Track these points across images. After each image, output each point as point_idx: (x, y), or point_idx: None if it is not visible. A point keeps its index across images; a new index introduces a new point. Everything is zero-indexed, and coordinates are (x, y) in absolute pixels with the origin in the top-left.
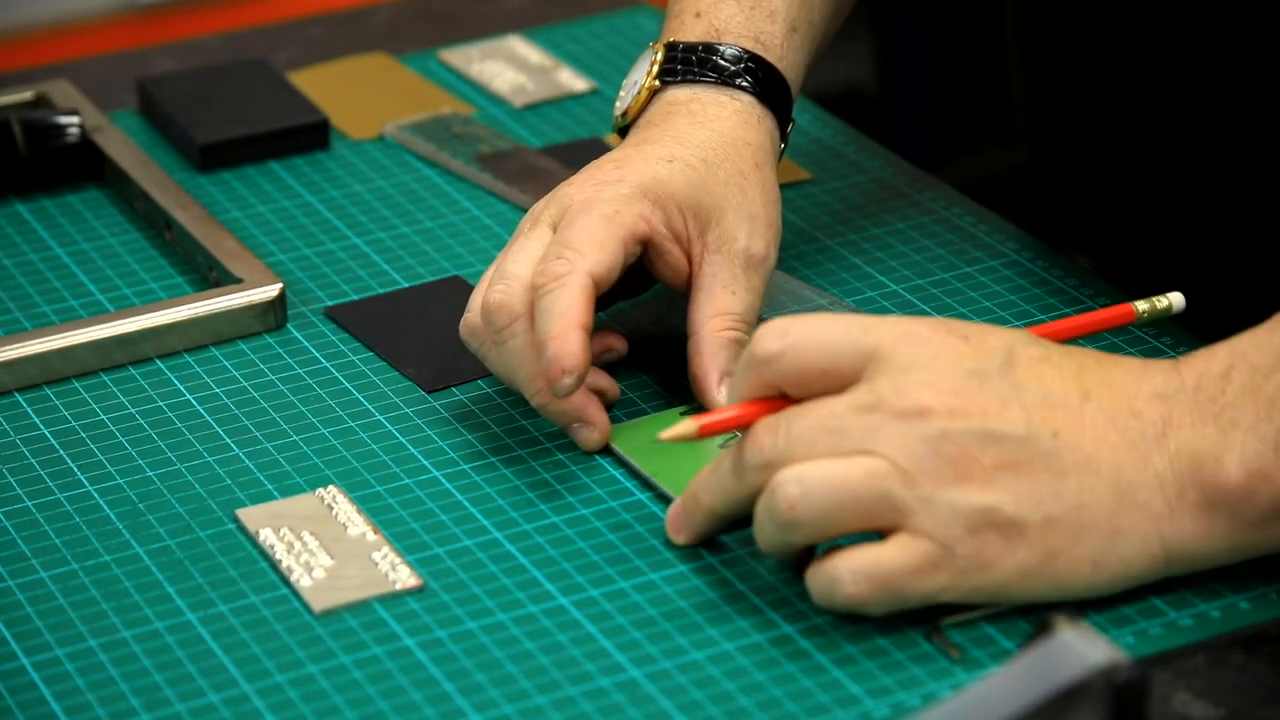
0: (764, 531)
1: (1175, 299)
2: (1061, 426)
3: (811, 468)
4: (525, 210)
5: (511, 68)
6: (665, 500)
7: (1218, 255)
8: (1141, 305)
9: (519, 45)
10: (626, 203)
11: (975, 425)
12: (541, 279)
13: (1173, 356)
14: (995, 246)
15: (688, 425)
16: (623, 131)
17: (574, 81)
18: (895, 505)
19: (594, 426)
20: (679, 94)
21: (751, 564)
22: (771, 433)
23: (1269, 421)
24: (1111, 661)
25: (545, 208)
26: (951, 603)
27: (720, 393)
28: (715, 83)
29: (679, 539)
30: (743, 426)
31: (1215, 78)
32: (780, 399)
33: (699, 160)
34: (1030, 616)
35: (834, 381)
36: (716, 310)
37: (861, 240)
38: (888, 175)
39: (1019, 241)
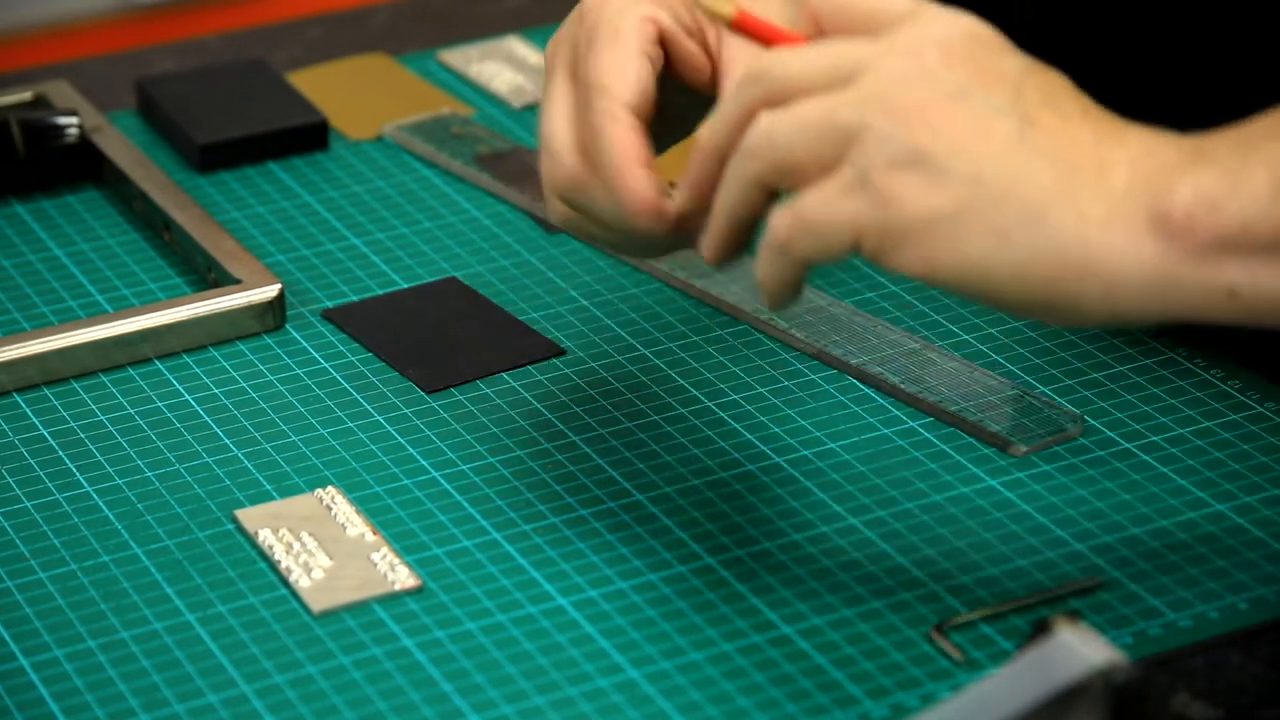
0: (736, 167)
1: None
2: (1044, 122)
3: (791, 107)
4: (524, 211)
5: (510, 68)
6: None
7: None
8: None
9: (518, 45)
10: (624, 13)
11: (959, 80)
12: (586, 134)
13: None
14: None
15: (728, 6)
16: None
17: None
18: (843, 131)
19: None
20: None
21: (750, 564)
22: (779, 59)
23: (1238, 157)
24: (1110, 662)
25: (557, 47)
26: (868, 253)
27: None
28: None
29: (679, 195)
30: (775, 41)
31: (1225, 67)
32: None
33: None
34: (1030, 618)
35: (870, 25)
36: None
37: None
38: None
39: None
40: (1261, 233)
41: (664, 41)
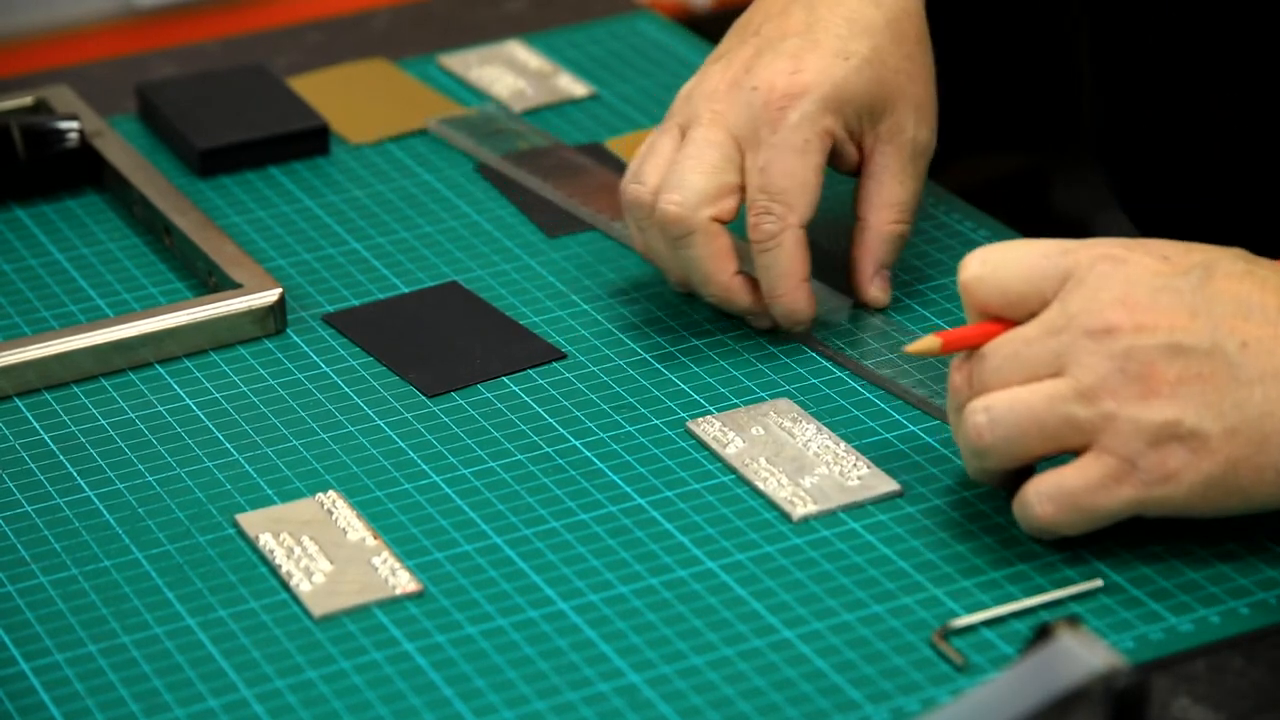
0: (965, 460)
1: None
2: (1251, 337)
3: (998, 396)
4: (558, 204)
5: (511, 73)
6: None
7: None
8: None
9: (518, 50)
10: (812, 124)
11: (1161, 340)
12: (755, 236)
13: None
14: None
15: (932, 340)
16: None
17: (573, 87)
18: (1078, 426)
19: (765, 317)
20: None
21: (751, 568)
22: (961, 372)
23: None
24: (1111, 667)
25: (710, 100)
26: (1145, 516)
27: (874, 285)
28: None
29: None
30: (978, 343)
31: None
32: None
33: (872, 51)
34: (1031, 622)
35: (1036, 303)
36: (886, 201)
37: None
38: None
39: None
40: None
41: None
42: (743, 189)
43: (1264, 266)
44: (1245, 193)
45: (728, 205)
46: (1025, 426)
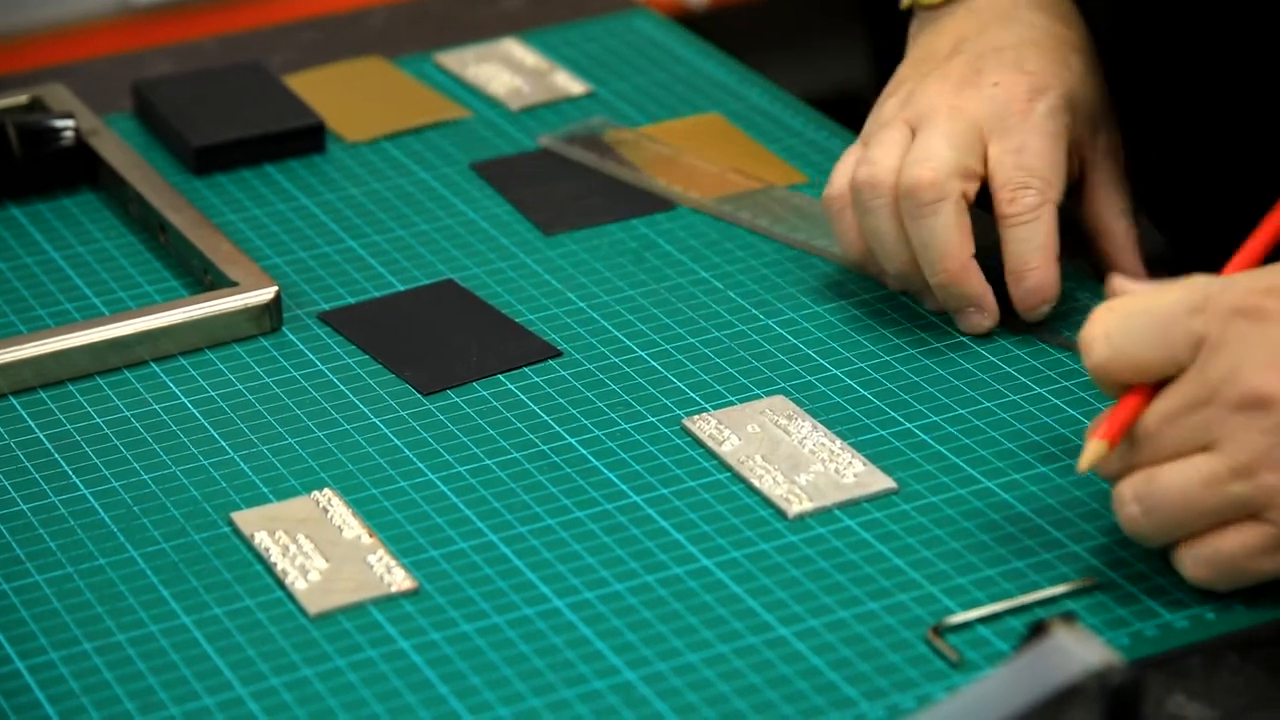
0: (1131, 532)
1: None
2: None
3: (1149, 483)
4: (708, 214)
5: (507, 70)
6: None
7: None
8: None
9: (515, 48)
10: (1059, 117)
11: None
12: (1014, 209)
13: None
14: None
15: (1098, 447)
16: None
17: (570, 84)
18: (1238, 504)
19: (987, 313)
20: None
21: (746, 566)
22: (1106, 460)
23: None
24: (1106, 663)
25: (940, 100)
26: None
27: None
28: None
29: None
30: (1132, 421)
31: None
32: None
33: (1086, 61)
34: (1026, 619)
35: (1173, 369)
36: (1121, 209)
37: None
38: None
39: None
40: None
41: None
42: (983, 179)
43: None
44: (1267, 184)
45: (973, 187)
46: (1184, 512)
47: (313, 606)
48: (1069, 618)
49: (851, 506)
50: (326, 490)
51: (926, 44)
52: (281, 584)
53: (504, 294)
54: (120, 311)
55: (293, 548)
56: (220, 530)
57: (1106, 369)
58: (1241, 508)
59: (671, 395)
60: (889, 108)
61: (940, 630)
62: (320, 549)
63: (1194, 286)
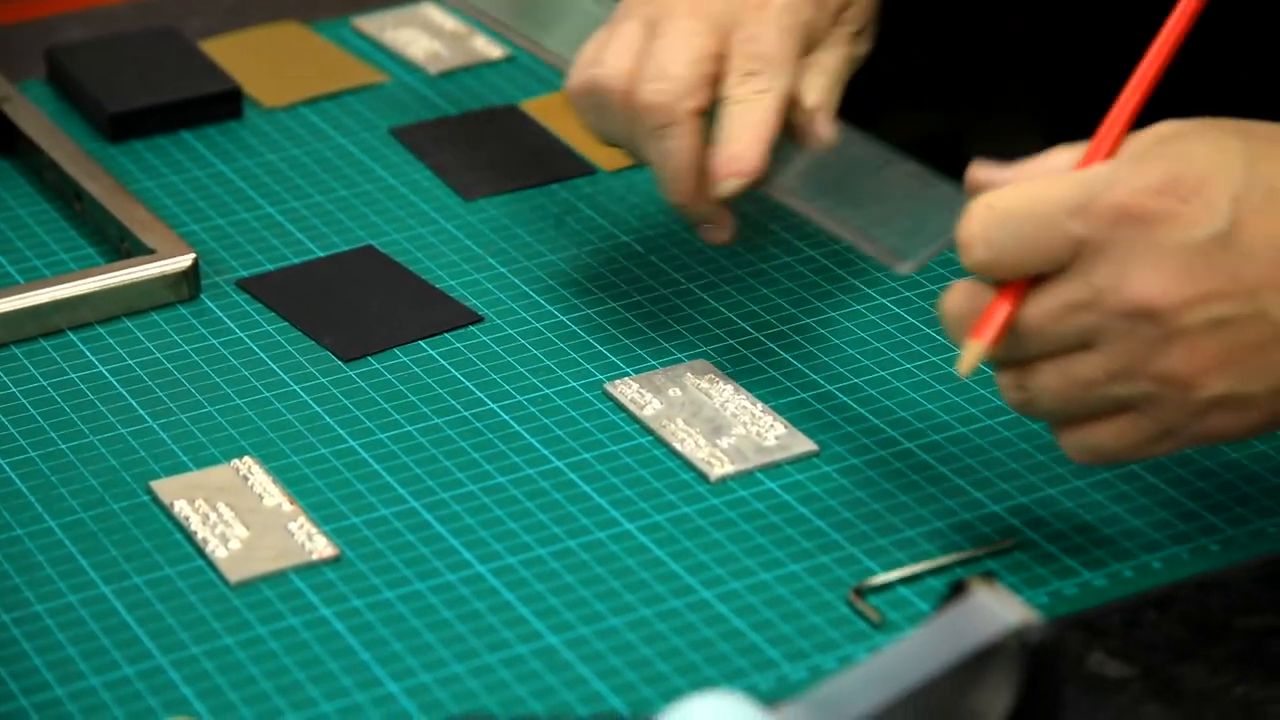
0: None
1: None
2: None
3: (1030, 376)
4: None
5: (426, 35)
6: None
7: None
8: None
9: (433, 12)
10: (796, 13)
11: (1200, 316)
12: (740, 93)
13: None
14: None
15: (978, 348)
16: None
17: (489, 49)
18: (1118, 402)
19: (725, 228)
20: None
21: (669, 529)
22: (1029, 323)
23: None
24: (1025, 622)
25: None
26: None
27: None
28: None
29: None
30: (1009, 320)
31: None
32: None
33: None
34: (946, 579)
35: (1054, 267)
36: (822, 86)
37: None
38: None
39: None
40: None
41: None
42: (719, 79)
43: None
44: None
45: (707, 95)
46: (1060, 407)
47: (233, 575)
48: (988, 577)
49: (773, 469)
50: (246, 458)
51: None
52: (202, 552)
53: (424, 260)
54: (36, 280)
55: (213, 516)
56: (139, 499)
57: (986, 270)
58: (1120, 405)
59: (593, 360)
60: (631, 2)
61: (862, 591)
62: (240, 517)
63: (1075, 183)
